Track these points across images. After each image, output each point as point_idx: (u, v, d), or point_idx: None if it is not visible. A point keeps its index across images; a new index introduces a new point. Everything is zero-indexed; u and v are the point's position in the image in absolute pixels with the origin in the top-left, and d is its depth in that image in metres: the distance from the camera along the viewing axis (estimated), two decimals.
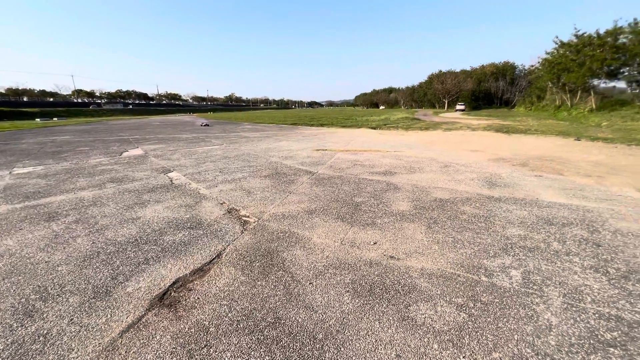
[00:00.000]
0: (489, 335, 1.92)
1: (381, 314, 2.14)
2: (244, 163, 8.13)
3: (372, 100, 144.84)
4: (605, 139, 11.80)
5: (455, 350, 1.81)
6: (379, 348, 1.83)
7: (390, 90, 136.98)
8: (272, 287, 2.49)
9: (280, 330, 2.00)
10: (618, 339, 1.87)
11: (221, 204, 4.74)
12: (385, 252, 3.08)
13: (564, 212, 4.11)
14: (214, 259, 3.00)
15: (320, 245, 3.26)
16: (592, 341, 1.86)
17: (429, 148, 10.48)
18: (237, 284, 2.55)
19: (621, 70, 27.74)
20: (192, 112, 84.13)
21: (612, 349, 1.80)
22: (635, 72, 26.61)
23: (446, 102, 72.15)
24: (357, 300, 2.29)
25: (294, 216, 4.14)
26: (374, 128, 19.35)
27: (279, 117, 36.71)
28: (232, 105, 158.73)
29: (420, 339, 1.91)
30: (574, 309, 2.16)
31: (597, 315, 2.09)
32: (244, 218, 4.13)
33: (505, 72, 71.01)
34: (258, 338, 1.94)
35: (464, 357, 1.76)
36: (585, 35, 29.69)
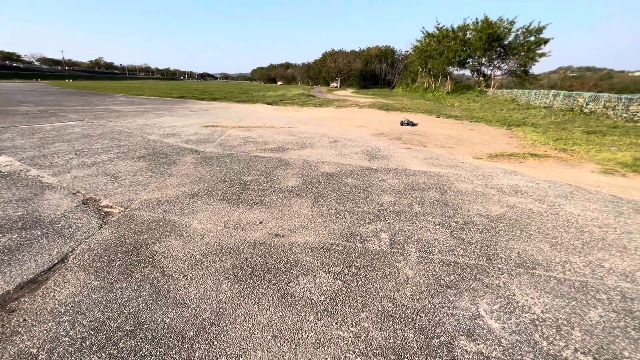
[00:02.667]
0: (359, 298, 2.08)
1: (261, 296, 2.07)
2: (112, 142, 6.78)
3: (269, 75, 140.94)
4: (456, 117, 14.53)
5: (329, 318, 1.90)
6: (256, 332, 1.77)
7: (287, 66, 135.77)
8: (136, 288, 2.13)
9: (141, 338, 1.71)
10: (453, 281, 2.30)
11: (74, 194, 3.83)
12: (270, 230, 3.02)
13: (424, 178, 4.85)
14: (55, 264, 2.38)
15: (200, 231, 2.97)
16: (436, 286, 2.23)
17: (321, 124, 10.88)
18: (86, 292, 2.08)
19: (467, 61, 34.34)
20: (39, 79, 65.90)
21: (449, 290, 2.19)
22: (476, 63, 33.39)
23: (339, 80, 76.26)
24: (236, 286, 2.17)
25: (171, 202, 3.66)
26: (270, 104, 18.95)
27: (164, 89, 32.17)
28: (101, 73, 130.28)
29: (297, 314, 1.93)
30: (425, 261, 2.55)
31: (440, 263, 2.52)
32: (105, 209, 3.43)
33: (387, 55, 79.02)
34: (110, 353, 1.62)
35: (336, 322, 1.87)
36: (444, 28, 35.27)
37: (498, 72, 33.23)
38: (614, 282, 2.34)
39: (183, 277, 2.26)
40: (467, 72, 37.90)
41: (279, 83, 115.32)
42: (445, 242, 2.86)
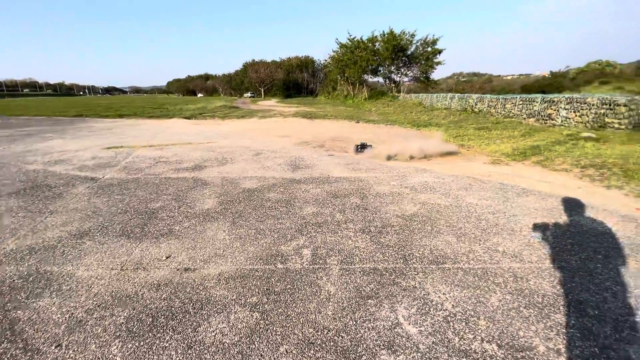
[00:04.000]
0: (278, 329, 1.91)
1: (161, 352, 1.75)
2: None
3: (187, 87, 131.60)
4: (374, 121, 15.58)
5: None
6: None
7: (207, 77, 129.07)
8: None
9: None
10: (373, 289, 2.30)
11: None
12: (179, 265, 2.66)
13: (346, 184, 4.95)
14: None
15: (87, 280, 2.44)
16: (357, 299, 2.19)
17: (244, 136, 10.50)
18: None
19: (379, 69, 37.42)
20: None
21: (369, 300, 2.17)
22: (386, 71, 36.59)
23: (262, 90, 75.83)
24: (130, 345, 1.79)
25: (50, 247, 2.98)
26: (188, 118, 17.68)
27: (57, 107, 27.53)
28: None
29: None
30: (347, 272, 2.52)
31: (362, 272, 2.51)
32: None
33: (307, 65, 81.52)
34: None
35: None
36: (355, 39, 37.86)
37: (405, 79, 37.01)
38: (507, 264, 2.63)
39: (56, 347, 1.79)
40: (381, 79, 41.42)
41: (200, 95, 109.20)
42: (365, 249, 2.89)
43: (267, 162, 6.53)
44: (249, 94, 77.02)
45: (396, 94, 34.75)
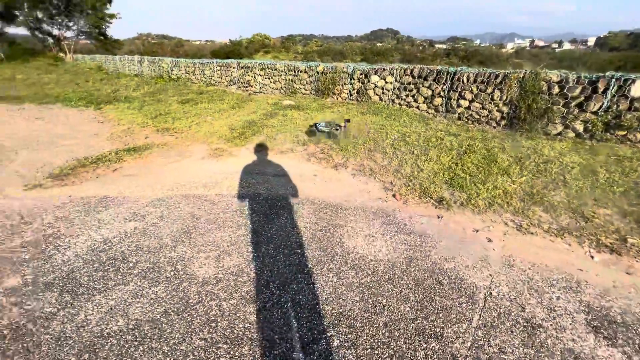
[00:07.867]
0: None
1: None
2: None
3: None
4: (14, 99, 9.36)
5: None
6: None
7: None
8: None
9: None
10: None
11: None
12: None
13: None
14: None
15: None
16: None
17: None
18: None
19: (16, 13, 24.62)
20: None
21: None
22: (30, 18, 24.76)
23: None
24: None
25: None
26: None
27: None
28: None
29: None
30: None
31: None
32: None
33: None
34: None
35: None
36: None
37: (70, 34, 27.05)
38: None
39: None
40: (31, 34, 27.62)
41: None
42: None
43: None
44: None
45: (61, 55, 24.86)
